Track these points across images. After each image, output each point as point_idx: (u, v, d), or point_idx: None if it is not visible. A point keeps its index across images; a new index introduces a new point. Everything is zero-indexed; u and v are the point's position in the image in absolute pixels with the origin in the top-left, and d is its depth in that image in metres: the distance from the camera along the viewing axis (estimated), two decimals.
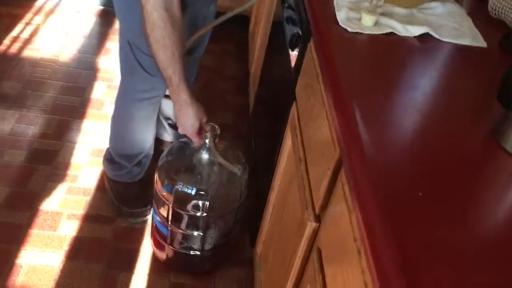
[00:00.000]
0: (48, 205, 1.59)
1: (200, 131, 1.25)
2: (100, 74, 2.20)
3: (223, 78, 2.38)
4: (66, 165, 1.73)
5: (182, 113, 1.19)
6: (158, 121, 1.72)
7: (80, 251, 1.47)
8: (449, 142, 0.74)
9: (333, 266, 0.70)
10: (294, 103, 1.13)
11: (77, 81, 2.14)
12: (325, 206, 0.82)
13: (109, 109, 2.00)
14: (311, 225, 0.85)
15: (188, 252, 1.41)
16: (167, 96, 1.64)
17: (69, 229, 1.53)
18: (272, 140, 1.41)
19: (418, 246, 0.55)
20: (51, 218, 1.55)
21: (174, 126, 1.77)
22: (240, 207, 1.38)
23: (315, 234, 0.86)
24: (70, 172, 1.72)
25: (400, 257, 0.53)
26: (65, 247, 1.48)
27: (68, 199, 1.62)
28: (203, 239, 1.37)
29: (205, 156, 1.31)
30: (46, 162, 1.73)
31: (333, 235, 0.72)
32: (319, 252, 0.80)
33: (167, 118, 1.75)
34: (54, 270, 1.41)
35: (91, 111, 1.99)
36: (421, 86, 0.88)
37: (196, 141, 1.26)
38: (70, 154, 1.78)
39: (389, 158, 0.68)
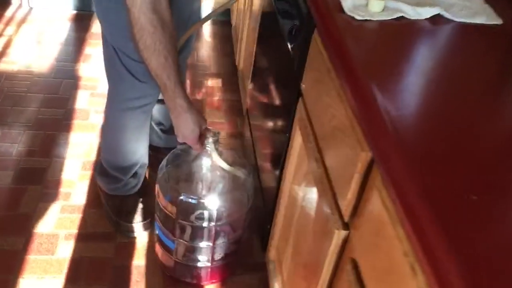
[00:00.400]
0: (43, 227, 1.50)
1: (201, 138, 1.18)
2: (82, 82, 2.10)
3: (210, 75, 2.30)
4: (57, 183, 1.64)
5: (181, 120, 1.11)
6: (150, 127, 1.64)
7: (81, 273, 1.39)
8: (482, 122, 0.69)
9: (378, 281, 0.64)
10: (300, 99, 1.06)
11: (58, 92, 2.03)
12: (354, 212, 0.76)
13: (95, 118, 1.91)
14: (339, 234, 0.79)
15: (197, 264, 1.33)
16: (158, 101, 1.56)
17: (67, 251, 1.44)
18: (275, 139, 1.34)
19: (487, 255, 0.49)
20: (47, 241, 1.46)
21: (167, 131, 1.68)
22: (249, 212, 1.31)
23: (344, 242, 0.79)
24: (62, 189, 1.62)
25: (468, 274, 0.47)
26: (65, 270, 1.39)
27: (63, 218, 1.53)
28: (212, 250, 1.30)
29: (207, 162, 1.23)
30: (36, 182, 1.63)
31: (373, 247, 0.66)
32: (354, 263, 0.73)
33: (159, 123, 1.67)
34: None
35: (76, 122, 1.89)
36: (441, 68, 0.83)
37: (197, 148, 1.18)
38: (60, 170, 1.69)
39: (431, 153, 0.61)
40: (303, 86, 1.04)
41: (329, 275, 0.84)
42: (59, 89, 2.05)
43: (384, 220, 0.63)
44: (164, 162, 1.29)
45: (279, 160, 1.23)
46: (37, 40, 2.35)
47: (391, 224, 0.60)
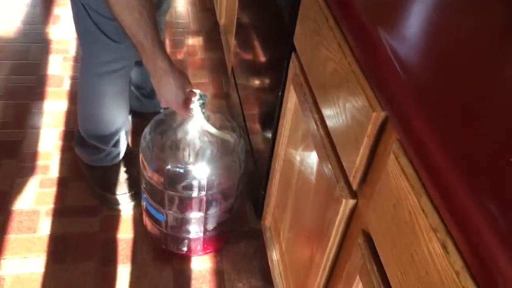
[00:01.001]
0: (22, 204, 1.40)
1: (186, 102, 1.08)
2: (53, 46, 1.96)
3: (190, 33, 2.16)
4: (33, 155, 1.54)
5: (162, 83, 1.01)
6: (130, 92, 1.53)
7: (67, 250, 1.31)
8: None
9: (397, 259, 0.57)
10: (293, 55, 0.96)
11: (28, 57, 1.89)
12: (363, 180, 0.68)
13: (70, 84, 1.79)
14: (347, 203, 0.71)
15: (189, 236, 1.26)
16: (136, 63, 1.44)
17: (50, 227, 1.36)
18: (266, 99, 1.25)
19: None
20: (28, 218, 1.37)
21: (148, 96, 1.58)
22: (241, 179, 1.23)
23: (352, 212, 0.72)
24: (40, 162, 1.52)
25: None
26: (49, 248, 1.31)
27: (43, 193, 1.44)
28: (204, 220, 1.23)
29: (193, 127, 1.14)
30: (10, 155, 1.52)
31: (390, 220, 0.58)
32: (367, 235, 0.66)
33: (139, 87, 1.56)
34: (41, 276, 1.25)
35: (50, 90, 1.77)
36: (451, 9, 0.73)
37: (182, 113, 1.08)
38: (36, 142, 1.58)
39: (456, 106, 0.53)
40: (296, 40, 0.94)
41: (336, 247, 0.77)
42: (29, 55, 1.91)
43: (403, 190, 0.55)
44: (147, 129, 1.19)
45: (271, 121, 1.14)
46: (1, 2, 2.18)
47: (413, 195, 0.53)
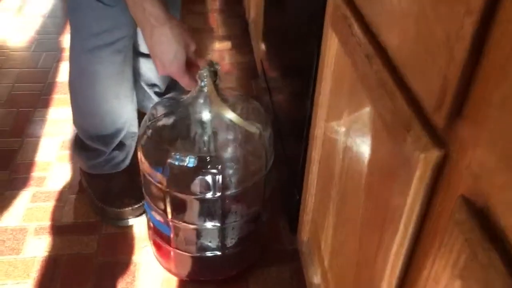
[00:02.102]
0: (8, 220, 1.16)
1: (190, 68, 0.82)
2: (66, 54, 1.77)
3: (218, 38, 1.95)
4: (28, 166, 1.31)
5: (156, 37, 0.75)
6: (140, 89, 1.29)
7: (55, 275, 1.05)
8: None
9: None
10: None
11: (37, 65, 1.71)
12: (458, 108, 0.39)
13: None
14: (429, 157, 0.41)
15: (204, 254, 0.97)
16: (144, 55, 1.21)
17: (38, 248, 1.10)
18: (298, 69, 0.98)
19: None
20: (13, 237, 1.13)
21: (163, 95, 1.34)
22: (268, 179, 0.94)
23: (437, 171, 0.42)
24: (35, 173, 1.29)
25: None
26: (34, 273, 1.05)
27: (34, 208, 1.20)
28: (222, 232, 0.94)
29: (204, 108, 0.87)
30: (2, 166, 1.30)
31: None
32: (472, 206, 0.36)
33: (152, 85, 1.32)
34: None
35: (57, 97, 1.56)
36: None
37: (185, 82, 0.82)
38: (34, 152, 1.35)
39: None
40: None
41: (411, 237, 0.46)
42: (38, 63, 1.72)
43: None
44: (146, 116, 0.94)
45: (305, 94, 0.87)
46: (18, 12, 2.05)
47: None
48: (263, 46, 1.44)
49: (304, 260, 0.94)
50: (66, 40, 1.86)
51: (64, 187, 1.25)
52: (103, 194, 1.17)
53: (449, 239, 0.38)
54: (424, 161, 0.42)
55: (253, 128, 0.90)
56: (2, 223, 1.16)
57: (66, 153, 1.35)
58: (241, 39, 1.91)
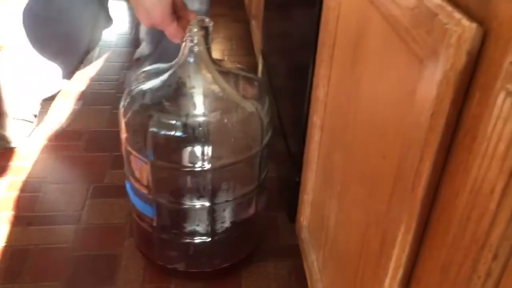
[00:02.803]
0: None
1: (180, 21, 0.74)
2: None
3: (219, 40, 1.88)
4: (7, 154, 1.22)
5: None
6: None
7: (24, 266, 0.93)
8: None
9: None
10: None
11: None
12: None
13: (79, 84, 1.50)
14: (469, 32, 0.32)
15: (191, 240, 0.86)
16: None
17: (8, 238, 0.99)
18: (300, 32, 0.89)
19: None
20: None
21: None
22: (263, 158, 0.84)
23: (472, 65, 0.32)
24: (14, 162, 1.19)
25: None
26: (2, 264, 0.94)
27: (10, 198, 1.09)
28: (211, 214, 0.83)
29: (194, 72, 0.78)
30: None
31: None
32: None
33: None
34: None
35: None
36: None
37: (172, 30, 0.73)
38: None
39: None
40: None
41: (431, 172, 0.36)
42: None
43: None
44: (129, 83, 0.85)
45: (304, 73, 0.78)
46: None
47: None
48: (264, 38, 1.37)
49: (303, 247, 0.83)
50: None
51: (45, 177, 1.15)
52: None
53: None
54: (456, 41, 0.32)
55: (247, 104, 0.80)
56: None
57: (51, 144, 1.26)
58: (242, 41, 1.84)
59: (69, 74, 1.32)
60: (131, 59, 1.49)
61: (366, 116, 0.53)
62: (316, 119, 0.73)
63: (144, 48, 1.33)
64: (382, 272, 0.45)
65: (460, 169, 0.34)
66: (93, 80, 1.54)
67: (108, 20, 1.33)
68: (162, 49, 1.27)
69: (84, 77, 1.55)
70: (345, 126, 0.61)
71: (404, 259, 0.42)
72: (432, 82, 0.35)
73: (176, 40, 0.74)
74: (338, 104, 0.65)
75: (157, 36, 1.23)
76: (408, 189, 0.40)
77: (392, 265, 0.44)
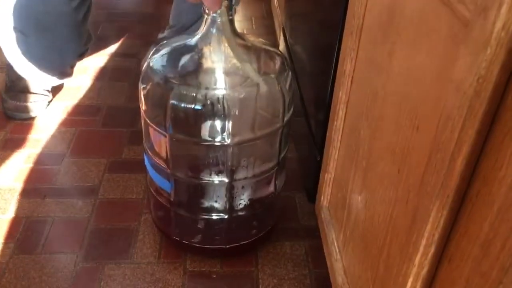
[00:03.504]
0: None
1: None
2: None
3: (240, 20, 1.85)
4: (26, 127, 1.21)
5: None
6: None
7: (40, 238, 0.94)
8: None
9: None
10: None
11: None
12: None
13: (96, 60, 1.49)
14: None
15: (208, 217, 0.85)
16: None
17: (27, 209, 0.99)
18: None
19: None
20: (0, 196, 1.02)
21: None
22: (285, 131, 0.82)
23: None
24: (32, 135, 1.19)
25: None
26: (19, 235, 0.94)
27: (28, 169, 1.09)
28: (230, 191, 0.82)
29: (216, 43, 0.76)
30: None
31: None
32: None
33: None
34: (3, 268, 0.87)
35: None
36: None
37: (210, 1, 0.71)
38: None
39: None
40: None
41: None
42: None
43: None
44: (149, 54, 0.83)
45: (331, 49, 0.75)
46: None
47: None
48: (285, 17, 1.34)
49: (322, 227, 0.81)
50: None
51: (62, 151, 1.15)
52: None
53: None
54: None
55: (270, 79, 0.78)
56: None
57: (69, 119, 1.25)
58: (262, 20, 1.81)
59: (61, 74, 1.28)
60: (153, 36, 1.47)
61: (398, 88, 0.51)
62: (342, 94, 0.70)
63: (169, 34, 1.32)
64: (413, 249, 0.43)
65: (507, 138, 0.32)
66: (112, 55, 1.53)
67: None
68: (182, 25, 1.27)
69: (104, 52, 1.53)
70: (373, 100, 0.59)
71: (437, 235, 0.40)
72: (479, 45, 0.33)
73: (215, 8, 0.72)
74: (365, 77, 0.62)
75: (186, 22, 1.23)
76: (446, 161, 0.38)
77: (423, 242, 0.41)
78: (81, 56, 1.31)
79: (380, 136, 0.57)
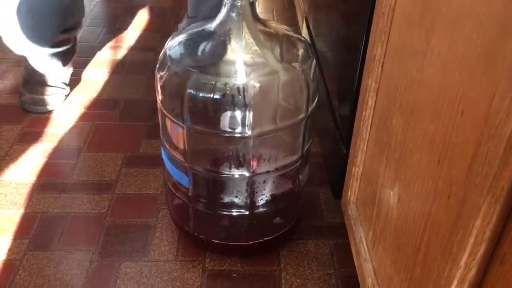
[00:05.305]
0: (13, 174, 1.04)
1: None
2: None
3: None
4: (43, 121, 1.19)
5: None
6: None
7: (55, 234, 0.91)
8: None
9: None
10: None
11: None
12: None
13: (112, 53, 1.46)
14: None
15: (228, 213, 0.81)
16: None
17: (42, 204, 0.97)
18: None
19: None
20: (16, 191, 1.00)
21: None
22: (309, 123, 0.78)
23: None
24: (49, 129, 1.17)
25: None
26: (34, 230, 0.92)
27: (44, 163, 1.07)
28: (251, 186, 0.77)
29: (236, 30, 0.72)
30: (15, 120, 1.19)
31: None
32: None
33: None
34: (11, 263, 0.85)
35: (93, 59, 1.45)
36: None
37: None
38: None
39: None
40: None
41: None
42: None
43: None
44: (170, 41, 0.79)
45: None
46: None
47: None
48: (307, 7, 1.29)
49: (349, 225, 0.76)
50: None
51: (79, 145, 1.12)
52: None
53: None
54: None
55: (293, 67, 0.73)
56: (6, 176, 1.03)
57: (87, 113, 1.23)
58: (284, 12, 1.76)
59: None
60: (170, 29, 1.43)
61: (437, 70, 0.46)
62: (371, 82, 0.65)
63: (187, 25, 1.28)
64: (457, 249, 0.38)
65: None
66: (130, 49, 1.50)
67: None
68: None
69: (122, 46, 1.51)
70: (407, 86, 0.54)
71: (488, 233, 0.35)
72: None
73: None
74: (398, 61, 0.57)
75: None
76: (500, 149, 0.33)
77: (471, 240, 0.37)
78: (70, 30, 1.21)
79: (416, 125, 0.52)
